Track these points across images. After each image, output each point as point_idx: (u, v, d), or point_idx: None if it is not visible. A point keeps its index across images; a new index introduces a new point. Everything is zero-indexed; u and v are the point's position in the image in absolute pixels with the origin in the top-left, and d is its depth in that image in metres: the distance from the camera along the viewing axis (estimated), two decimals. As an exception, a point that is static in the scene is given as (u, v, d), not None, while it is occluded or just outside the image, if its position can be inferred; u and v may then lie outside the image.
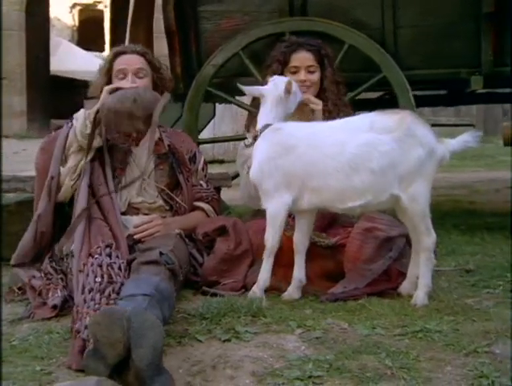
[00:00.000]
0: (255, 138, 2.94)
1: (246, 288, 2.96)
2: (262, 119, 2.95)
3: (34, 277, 2.92)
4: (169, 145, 3.28)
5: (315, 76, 3.33)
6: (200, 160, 3.39)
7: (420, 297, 2.75)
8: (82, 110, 3.13)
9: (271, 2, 4.00)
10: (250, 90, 3.03)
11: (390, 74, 3.75)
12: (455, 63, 3.91)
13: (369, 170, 2.72)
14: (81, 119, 3.07)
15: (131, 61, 3.22)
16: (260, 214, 3.30)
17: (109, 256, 2.63)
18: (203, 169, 3.38)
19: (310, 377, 2.17)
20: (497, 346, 2.35)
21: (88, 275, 2.53)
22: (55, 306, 2.71)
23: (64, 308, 2.73)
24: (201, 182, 3.34)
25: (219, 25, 4.06)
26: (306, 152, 2.79)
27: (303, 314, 2.67)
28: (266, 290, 2.87)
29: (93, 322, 2.06)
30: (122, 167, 3.18)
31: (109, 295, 2.45)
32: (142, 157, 3.21)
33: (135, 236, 3.02)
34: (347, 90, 3.44)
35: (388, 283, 2.93)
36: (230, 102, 4.07)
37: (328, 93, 3.32)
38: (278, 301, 2.83)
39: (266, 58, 3.47)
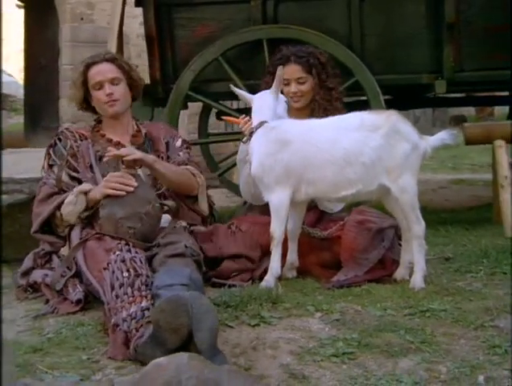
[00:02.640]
0: (251, 134, 3.11)
1: (253, 279, 3.13)
2: (255, 117, 3.13)
3: (47, 275, 2.98)
4: (145, 133, 3.42)
5: (306, 87, 3.47)
6: (179, 139, 3.50)
7: (418, 280, 2.99)
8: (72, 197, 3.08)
9: (245, 10, 4.17)
10: (242, 95, 3.23)
11: (362, 78, 4.00)
12: (417, 69, 4.21)
13: (360, 163, 2.97)
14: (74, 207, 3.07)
15: (104, 71, 3.31)
16: (253, 209, 3.50)
17: (129, 251, 2.71)
18: (181, 146, 3.47)
19: (343, 354, 2.37)
20: (500, 321, 2.61)
21: (114, 272, 2.60)
22: (78, 301, 2.78)
23: (87, 302, 2.81)
24: (181, 153, 3.43)
25: (193, 32, 4.21)
26: (302, 147, 3.00)
27: (316, 300, 2.85)
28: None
29: (157, 310, 2.17)
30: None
31: (139, 288, 2.53)
32: None
33: (113, 153, 3.04)
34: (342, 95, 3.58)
35: (383, 270, 3.15)
36: (211, 106, 4.21)
37: (318, 99, 3.50)
38: (291, 289, 3.00)
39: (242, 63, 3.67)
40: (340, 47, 4.01)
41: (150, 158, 3.14)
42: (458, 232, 4.12)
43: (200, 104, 5.20)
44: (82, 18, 13.62)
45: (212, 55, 4.03)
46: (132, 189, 2.92)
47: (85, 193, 3.03)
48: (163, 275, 2.58)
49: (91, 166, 3.22)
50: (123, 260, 2.66)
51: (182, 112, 4.45)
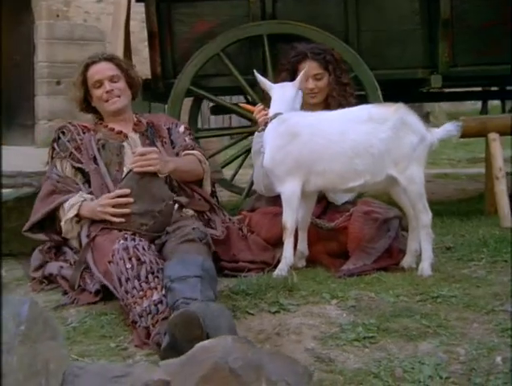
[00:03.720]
0: (266, 124, 3.17)
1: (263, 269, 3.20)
2: (273, 108, 3.20)
3: (62, 267, 3.01)
4: (147, 122, 3.48)
5: (322, 83, 3.56)
6: (181, 125, 3.57)
7: (426, 268, 3.08)
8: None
9: (244, 6, 4.24)
10: (263, 82, 3.27)
11: (360, 73, 4.08)
12: (412, 64, 4.31)
13: (369, 155, 3.05)
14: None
15: (103, 70, 3.37)
16: (261, 200, 3.57)
17: (133, 240, 2.74)
18: (184, 132, 3.53)
19: (364, 338, 2.44)
20: (509, 305, 2.70)
21: (117, 264, 2.63)
22: (97, 291, 2.82)
23: (106, 292, 2.85)
24: (185, 138, 3.50)
25: (192, 28, 4.26)
26: (312, 139, 3.08)
27: (330, 288, 2.93)
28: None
29: (171, 324, 2.19)
30: (119, 161, 3.29)
31: (146, 278, 2.57)
32: (137, 141, 3.38)
33: (132, 167, 3.01)
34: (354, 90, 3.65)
35: (390, 259, 3.25)
36: (212, 100, 4.27)
37: (334, 95, 3.57)
38: (303, 277, 3.07)
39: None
40: (339, 43, 4.10)
41: (169, 166, 3.16)
42: (454, 223, 4.23)
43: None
44: (58, 15, 13.60)
45: (214, 50, 4.09)
46: (128, 211, 2.91)
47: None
48: (176, 265, 2.60)
49: (94, 158, 3.26)
50: (125, 248, 2.68)
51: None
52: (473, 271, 3.19)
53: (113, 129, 3.38)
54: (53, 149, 3.33)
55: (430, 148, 3.14)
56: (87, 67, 3.39)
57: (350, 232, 3.27)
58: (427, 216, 3.11)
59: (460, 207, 4.90)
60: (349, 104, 3.46)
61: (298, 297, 2.80)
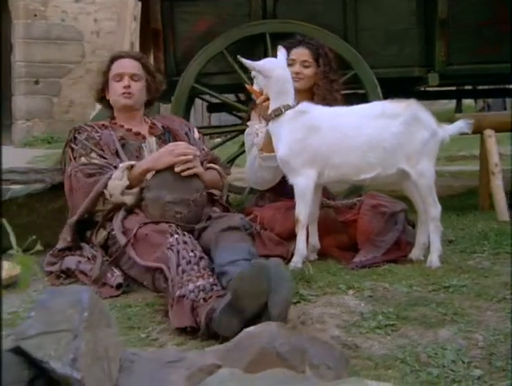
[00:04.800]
0: (276, 116, 3.20)
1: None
2: (280, 97, 3.22)
3: (80, 261, 3.05)
4: (163, 126, 3.54)
5: (309, 71, 3.68)
6: (195, 130, 3.65)
7: (434, 260, 3.19)
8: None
9: (245, 5, 4.31)
10: (251, 64, 3.25)
11: (360, 71, 4.18)
12: (409, 62, 4.42)
13: (382, 148, 3.16)
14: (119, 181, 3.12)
15: (127, 65, 3.45)
16: (264, 198, 3.64)
17: (184, 235, 2.78)
18: (200, 137, 3.62)
19: (386, 326, 2.53)
20: (519, 294, 2.82)
21: (179, 251, 2.66)
22: (119, 285, 2.86)
23: (127, 286, 2.90)
24: (204, 147, 3.58)
25: (194, 26, 4.32)
26: (330, 133, 3.18)
27: (345, 279, 3.02)
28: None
29: (238, 279, 2.27)
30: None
31: (205, 268, 2.61)
32: (153, 144, 3.43)
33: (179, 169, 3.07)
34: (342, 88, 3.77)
35: (399, 251, 3.34)
36: (216, 97, 4.33)
37: (319, 88, 3.68)
38: (317, 269, 3.15)
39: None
40: (340, 41, 4.19)
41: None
42: (451, 218, 4.34)
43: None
44: (35, 15, 13.54)
45: (217, 48, 4.16)
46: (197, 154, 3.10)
47: (130, 169, 3.10)
48: (222, 253, 2.68)
49: (116, 152, 3.30)
50: (185, 242, 2.73)
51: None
52: (478, 262, 3.30)
53: (130, 130, 3.43)
54: (71, 148, 3.34)
55: (441, 143, 3.25)
56: (113, 60, 3.46)
57: (359, 226, 3.37)
58: (436, 209, 3.21)
59: (452, 203, 5.01)
60: (335, 100, 3.60)
61: (316, 287, 2.89)
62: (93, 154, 3.27)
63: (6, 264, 3.10)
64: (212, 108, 5.23)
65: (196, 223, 2.99)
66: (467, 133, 3.28)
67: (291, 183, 3.23)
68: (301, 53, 3.67)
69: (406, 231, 3.41)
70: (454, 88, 6.11)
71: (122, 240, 2.93)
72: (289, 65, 3.62)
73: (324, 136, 3.15)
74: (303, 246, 3.18)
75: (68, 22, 13.66)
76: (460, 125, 3.24)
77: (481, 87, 6.13)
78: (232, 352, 1.87)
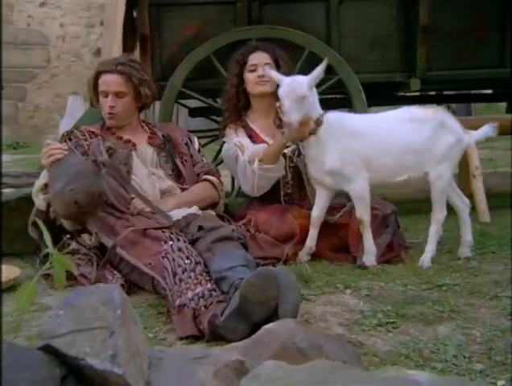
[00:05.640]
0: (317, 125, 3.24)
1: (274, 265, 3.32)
2: (313, 108, 3.24)
3: (79, 265, 3.06)
4: (163, 135, 3.56)
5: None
6: (195, 141, 3.69)
7: (426, 260, 3.30)
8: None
9: (231, 11, 4.36)
10: (274, 75, 3.32)
11: (345, 76, 4.26)
12: (390, 68, 4.52)
13: (413, 152, 3.27)
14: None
15: (112, 83, 3.45)
16: (253, 203, 3.69)
17: (179, 240, 2.83)
18: (199, 150, 3.68)
19: (387, 323, 2.61)
20: (509, 292, 2.91)
21: (174, 259, 2.70)
22: (122, 286, 2.89)
23: (128, 287, 2.93)
24: (203, 158, 3.64)
25: (180, 32, 4.36)
26: (371, 137, 3.27)
27: (341, 279, 3.09)
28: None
29: (247, 285, 2.31)
30: (127, 170, 3.37)
31: (201, 273, 2.65)
32: (147, 152, 3.46)
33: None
34: None
35: (392, 253, 3.43)
36: (203, 102, 4.37)
37: None
38: (313, 270, 3.20)
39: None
40: (325, 47, 4.27)
41: (168, 205, 3.28)
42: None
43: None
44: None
45: (205, 52, 4.20)
46: (66, 151, 3.07)
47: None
48: (219, 260, 2.70)
49: (103, 163, 3.32)
50: (180, 249, 2.77)
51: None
52: (467, 262, 3.40)
53: (121, 138, 3.45)
54: None
55: (465, 149, 3.40)
56: (99, 74, 3.47)
57: (352, 229, 3.43)
58: (441, 214, 3.35)
59: (428, 205, 5.10)
60: None
61: (314, 287, 2.96)
62: None
63: (4, 267, 3.11)
64: (195, 112, 5.26)
65: (99, 195, 3.02)
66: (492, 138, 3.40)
67: (346, 190, 3.30)
68: (261, 56, 3.73)
69: (397, 233, 3.50)
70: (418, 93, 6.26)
71: (109, 242, 3.01)
72: (251, 71, 3.71)
73: (368, 141, 3.25)
74: (371, 245, 3.28)
75: (34, 27, 13.54)
76: (486, 129, 3.36)
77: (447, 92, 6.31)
78: (253, 348, 1.92)
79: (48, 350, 1.71)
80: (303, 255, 3.35)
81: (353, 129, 3.27)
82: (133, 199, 3.22)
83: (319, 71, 3.22)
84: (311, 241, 3.39)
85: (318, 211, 3.38)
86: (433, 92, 6.28)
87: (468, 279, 3.10)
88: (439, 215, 3.33)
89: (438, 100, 6.32)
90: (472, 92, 6.21)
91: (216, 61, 4.18)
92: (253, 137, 3.72)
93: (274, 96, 3.63)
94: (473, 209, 4.39)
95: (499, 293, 2.90)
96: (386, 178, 3.35)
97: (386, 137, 3.28)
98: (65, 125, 9.10)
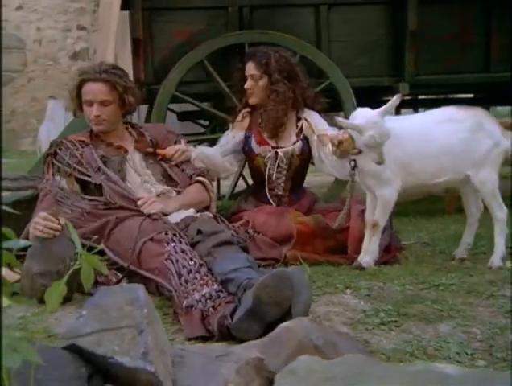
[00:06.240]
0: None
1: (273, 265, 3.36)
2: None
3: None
4: (151, 140, 3.57)
5: (258, 84, 3.77)
6: (182, 141, 3.68)
7: (496, 260, 3.34)
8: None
9: (222, 16, 4.40)
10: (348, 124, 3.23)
11: (336, 81, 4.32)
12: (379, 72, 4.60)
13: (451, 154, 3.29)
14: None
15: (96, 92, 3.40)
16: (247, 201, 3.76)
17: (180, 242, 2.84)
18: None
19: (389, 322, 2.66)
20: (505, 291, 2.99)
21: (177, 261, 2.73)
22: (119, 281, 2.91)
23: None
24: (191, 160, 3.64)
25: (172, 36, 4.39)
26: (410, 141, 3.27)
27: (340, 279, 3.14)
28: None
29: (261, 286, 2.35)
30: (122, 177, 3.39)
31: (206, 274, 2.68)
32: (137, 161, 3.48)
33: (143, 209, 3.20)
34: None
35: (389, 254, 3.49)
36: (196, 105, 4.40)
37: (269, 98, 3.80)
38: (313, 271, 3.25)
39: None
40: (316, 51, 4.33)
41: (173, 206, 3.30)
42: (421, 222, 4.53)
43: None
44: (-24, 23, 13.29)
45: (198, 56, 4.23)
46: (57, 234, 2.87)
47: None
48: (222, 262, 2.73)
49: (99, 169, 3.34)
50: (183, 251, 2.79)
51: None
52: (460, 262, 3.47)
53: (111, 144, 3.46)
54: (52, 164, 3.39)
55: (505, 153, 3.37)
56: (83, 82, 3.42)
57: (351, 232, 3.47)
58: (501, 213, 3.35)
59: (416, 207, 5.18)
60: (266, 111, 3.75)
61: (315, 287, 2.98)
62: (77, 174, 3.33)
63: (4, 271, 3.10)
64: (184, 116, 5.29)
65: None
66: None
67: (377, 194, 3.28)
68: (248, 67, 3.80)
69: (393, 235, 3.55)
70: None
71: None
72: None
73: (405, 145, 3.23)
74: (376, 248, 3.29)
75: (10, 31, 13.45)
76: None
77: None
78: (270, 347, 1.97)
79: (73, 349, 1.74)
80: (370, 261, 3.33)
81: (393, 135, 3.22)
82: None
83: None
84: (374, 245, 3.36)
85: (372, 215, 3.35)
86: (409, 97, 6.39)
87: (463, 279, 3.16)
88: (499, 214, 3.34)
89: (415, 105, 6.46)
90: (450, 96, 6.37)
91: (209, 65, 4.22)
92: (253, 131, 3.85)
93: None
94: (457, 211, 4.50)
95: (495, 292, 2.97)
96: (424, 181, 3.35)
97: (425, 138, 3.27)
98: (45, 129, 9.09)
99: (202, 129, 5.93)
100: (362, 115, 3.20)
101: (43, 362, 1.52)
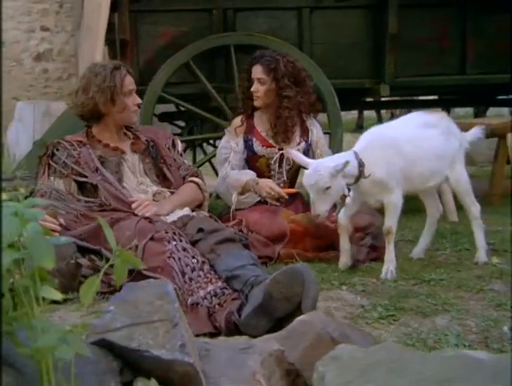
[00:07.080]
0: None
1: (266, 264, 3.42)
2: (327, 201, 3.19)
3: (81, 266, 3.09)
4: (147, 140, 3.59)
5: (264, 88, 3.84)
6: (178, 144, 3.73)
7: (481, 255, 3.46)
8: None
9: (206, 18, 4.46)
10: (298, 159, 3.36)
11: (319, 82, 4.40)
12: (360, 74, 4.71)
13: (436, 157, 3.39)
14: None
15: (133, 82, 3.50)
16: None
17: (181, 240, 2.87)
18: (180, 152, 3.72)
19: (387, 316, 2.75)
20: (494, 285, 3.11)
21: (180, 259, 2.77)
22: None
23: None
24: (185, 161, 3.69)
25: (157, 38, 4.43)
26: (407, 148, 3.33)
27: (334, 276, 3.23)
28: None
29: (273, 282, 2.41)
30: (119, 178, 3.40)
31: (209, 272, 2.73)
32: (135, 162, 3.51)
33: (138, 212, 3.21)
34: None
35: (375, 252, 3.59)
36: (182, 106, 4.44)
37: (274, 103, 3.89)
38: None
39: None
40: (300, 54, 4.41)
41: (166, 208, 3.32)
42: (403, 220, 4.55)
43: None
44: None
45: (184, 58, 4.28)
46: (56, 234, 2.89)
47: None
48: (226, 259, 2.77)
49: (96, 169, 3.36)
50: (184, 249, 2.82)
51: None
52: (446, 258, 3.60)
53: (108, 145, 3.47)
54: (48, 165, 3.38)
55: (465, 151, 3.53)
56: (124, 75, 3.43)
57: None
58: (475, 209, 3.49)
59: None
60: (281, 117, 3.82)
61: (312, 284, 3.07)
62: (74, 175, 3.34)
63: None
64: (165, 117, 5.33)
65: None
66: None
67: (385, 202, 3.31)
68: (256, 70, 3.85)
69: (378, 234, 3.64)
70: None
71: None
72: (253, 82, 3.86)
73: (404, 152, 3.29)
74: (393, 257, 3.29)
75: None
76: (475, 132, 3.53)
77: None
78: (289, 339, 2.03)
79: (103, 344, 1.77)
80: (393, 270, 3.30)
81: (392, 143, 3.30)
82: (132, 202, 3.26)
83: (344, 164, 3.10)
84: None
85: (345, 216, 3.38)
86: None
87: (451, 274, 3.27)
88: (474, 210, 3.47)
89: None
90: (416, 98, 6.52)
91: (195, 67, 4.27)
92: (253, 133, 3.90)
93: (270, 108, 3.85)
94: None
95: (484, 286, 3.08)
96: (418, 185, 3.43)
97: (417, 144, 3.34)
98: (14, 130, 9.00)
99: (179, 130, 5.99)
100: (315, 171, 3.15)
101: (78, 356, 1.56)
